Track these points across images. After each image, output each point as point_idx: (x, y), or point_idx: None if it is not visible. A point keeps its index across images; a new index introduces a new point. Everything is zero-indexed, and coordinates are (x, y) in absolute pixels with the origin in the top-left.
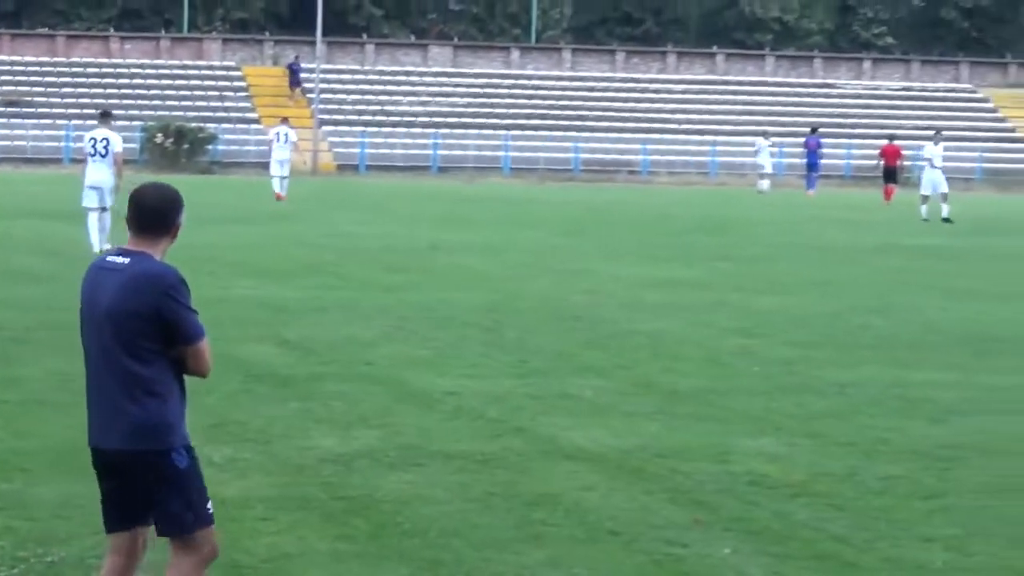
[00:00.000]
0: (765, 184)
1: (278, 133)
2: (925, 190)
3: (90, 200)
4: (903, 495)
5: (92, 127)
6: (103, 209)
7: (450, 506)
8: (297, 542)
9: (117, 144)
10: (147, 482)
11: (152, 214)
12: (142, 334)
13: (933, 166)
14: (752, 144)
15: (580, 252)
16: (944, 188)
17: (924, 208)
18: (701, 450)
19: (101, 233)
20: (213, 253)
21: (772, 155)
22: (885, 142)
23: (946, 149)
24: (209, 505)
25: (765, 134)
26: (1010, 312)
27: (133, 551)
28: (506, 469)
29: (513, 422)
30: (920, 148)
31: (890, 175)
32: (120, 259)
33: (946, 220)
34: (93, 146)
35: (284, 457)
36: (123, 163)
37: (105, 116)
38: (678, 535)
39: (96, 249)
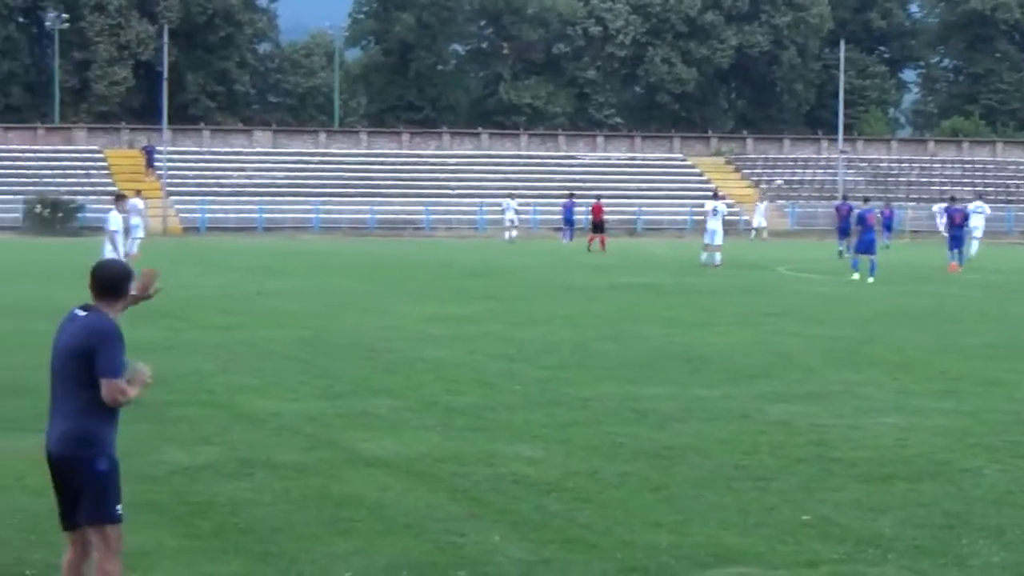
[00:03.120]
0: (507, 235)
1: (132, 204)
2: (708, 239)
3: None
4: (635, 488)
5: None
6: None
7: (275, 507)
8: (152, 540)
9: (110, 223)
10: (75, 482)
11: (103, 284)
12: (84, 367)
13: (714, 216)
14: (500, 203)
15: (376, 295)
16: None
17: (705, 256)
18: (474, 456)
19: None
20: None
21: (516, 212)
22: (594, 201)
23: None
24: (119, 507)
25: (511, 196)
26: (715, 336)
27: (85, 546)
28: (319, 475)
29: (324, 436)
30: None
31: (598, 227)
32: (81, 312)
33: (707, 265)
34: None
35: (139, 470)
36: (111, 236)
37: (116, 198)
38: (457, 526)
39: None
